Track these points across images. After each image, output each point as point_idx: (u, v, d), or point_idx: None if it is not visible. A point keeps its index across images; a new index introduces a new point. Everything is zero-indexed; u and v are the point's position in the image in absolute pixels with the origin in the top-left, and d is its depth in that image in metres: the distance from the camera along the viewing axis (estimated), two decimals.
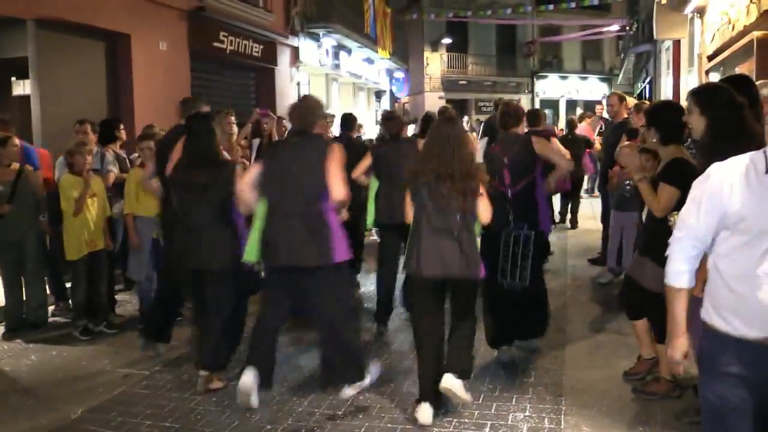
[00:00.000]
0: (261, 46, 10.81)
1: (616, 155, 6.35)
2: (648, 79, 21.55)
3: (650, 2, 15.84)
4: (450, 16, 25.62)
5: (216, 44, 9.74)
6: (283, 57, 11.77)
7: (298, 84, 12.35)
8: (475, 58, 33.26)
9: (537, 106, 32.90)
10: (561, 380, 4.54)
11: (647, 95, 21.92)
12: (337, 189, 3.97)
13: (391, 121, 5.85)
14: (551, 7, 25.16)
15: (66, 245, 5.71)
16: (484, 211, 3.91)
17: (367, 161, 5.58)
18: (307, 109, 4.24)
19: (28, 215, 5.85)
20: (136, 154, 6.81)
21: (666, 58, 15.97)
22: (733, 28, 8.73)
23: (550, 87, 35.47)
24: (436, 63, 32.26)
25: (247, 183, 4.15)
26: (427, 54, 31.82)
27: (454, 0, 27.92)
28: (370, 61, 16.56)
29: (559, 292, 6.88)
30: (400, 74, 19.73)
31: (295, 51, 12.14)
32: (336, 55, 14.11)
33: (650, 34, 19.78)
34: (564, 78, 35.72)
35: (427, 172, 3.84)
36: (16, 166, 5.82)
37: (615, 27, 29.54)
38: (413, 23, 29.05)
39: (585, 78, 36.30)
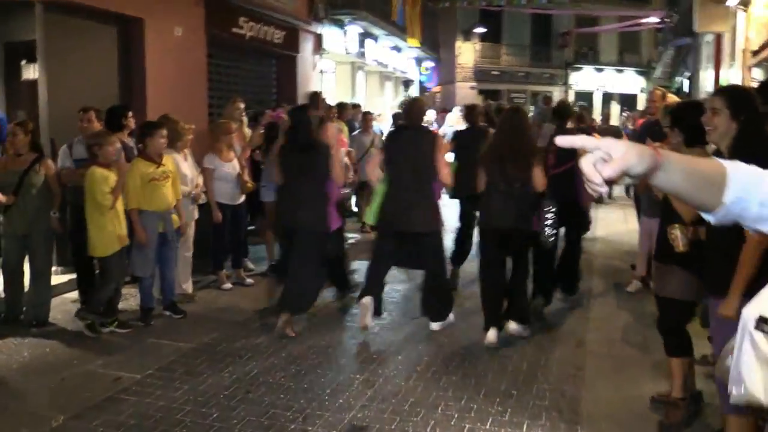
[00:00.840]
0: (283, 33, 10.49)
1: None
2: (687, 74, 20.78)
3: None
4: (483, 5, 25.02)
5: (235, 30, 9.43)
6: (306, 44, 11.44)
7: (321, 72, 12.01)
8: (509, 48, 32.58)
9: (571, 98, 32.18)
10: (578, 405, 4.17)
11: (686, 90, 21.17)
12: (444, 172, 5.28)
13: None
14: None
15: (97, 241, 5.39)
16: (539, 180, 5.07)
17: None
18: (420, 109, 5.70)
19: (35, 209, 5.56)
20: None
21: (706, 52, 15.30)
22: None
23: (585, 79, 34.61)
24: (468, 53, 31.66)
25: (373, 164, 5.65)
26: (459, 43, 31.23)
27: None
28: (397, 49, 16.15)
29: (581, 300, 6.49)
30: (429, 64, 19.23)
31: (319, 38, 11.80)
32: (362, 43, 13.73)
33: (690, 26, 19.13)
34: (599, 70, 34.81)
35: (497, 152, 5.08)
36: (30, 156, 5.58)
37: (654, 19, 28.69)
38: (445, 12, 28.43)
39: (621, 71, 35.33)
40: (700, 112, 3.45)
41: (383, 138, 7.57)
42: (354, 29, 12.76)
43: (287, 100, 11.06)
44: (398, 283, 7.01)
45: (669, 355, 3.93)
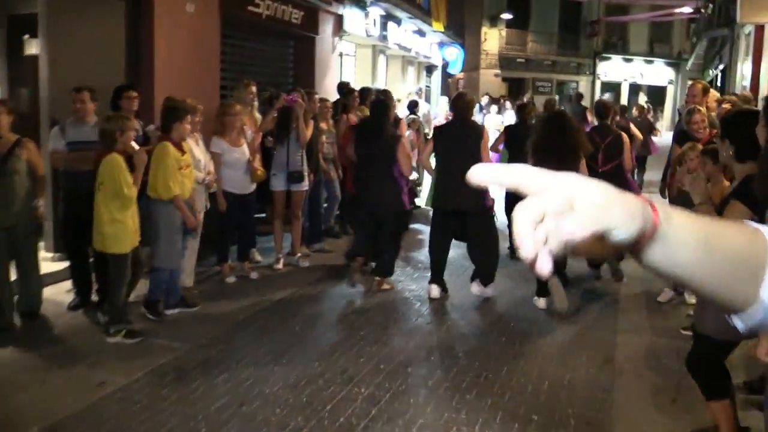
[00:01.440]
0: (301, 13, 10.02)
1: (674, 160, 5.57)
2: (721, 67, 19.99)
3: None
4: None
5: (251, 8, 8.98)
6: (326, 25, 10.97)
7: (341, 55, 11.53)
8: (536, 35, 31.82)
9: (598, 89, 31.41)
10: None
11: (719, 84, 20.39)
12: (487, 160, 5.88)
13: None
14: None
15: (115, 237, 4.88)
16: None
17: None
18: (469, 104, 6.25)
19: (19, 197, 5.08)
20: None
21: (745, 44, 14.57)
22: None
23: (613, 69, 33.77)
24: (494, 39, 30.96)
25: (426, 153, 6.43)
26: (485, 29, 30.54)
27: None
28: (421, 33, 15.60)
29: (607, 310, 6.03)
30: (454, 50, 18.65)
31: (339, 19, 11.32)
32: (384, 26, 13.22)
33: (728, 16, 18.31)
34: (628, 60, 33.94)
35: (543, 149, 5.47)
36: (11, 137, 5.14)
37: (687, 9, 27.76)
38: None
39: (650, 62, 34.43)
40: (755, 121, 2.99)
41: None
42: (376, 11, 12.25)
43: (305, 83, 10.65)
44: (411, 282, 6.62)
45: (707, 400, 3.43)
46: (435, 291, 6.15)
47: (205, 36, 8.14)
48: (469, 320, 5.80)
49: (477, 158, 5.73)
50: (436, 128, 6.73)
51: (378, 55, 13.60)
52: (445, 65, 19.17)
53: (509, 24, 30.74)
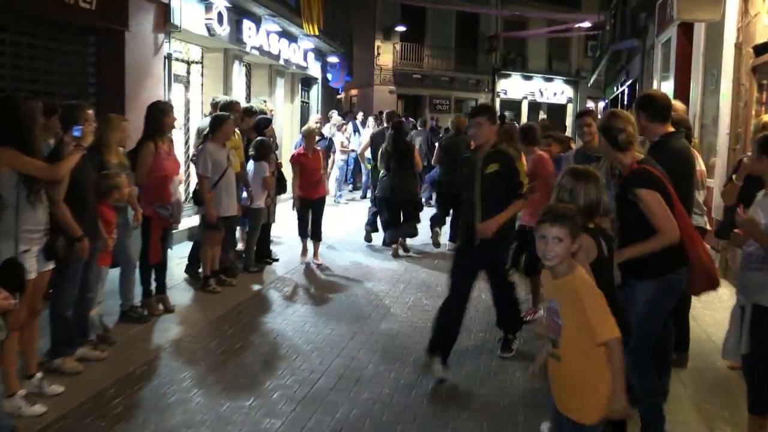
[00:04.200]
0: None
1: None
2: (629, 82, 18.42)
3: None
4: None
5: None
6: (141, 17, 7.99)
7: (168, 57, 8.60)
8: (433, 50, 29.83)
9: (497, 106, 29.77)
10: None
11: (625, 101, 18.86)
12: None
13: None
14: None
15: None
16: None
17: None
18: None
19: None
20: None
21: (662, 56, 12.75)
22: None
23: (513, 87, 32.32)
24: (388, 53, 28.74)
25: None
26: (379, 42, 28.27)
27: None
28: (290, 37, 12.87)
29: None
30: (334, 60, 15.97)
31: (164, 9, 8.38)
32: (238, 25, 10.42)
33: (636, 27, 16.78)
34: (527, 78, 32.61)
35: None
36: None
37: (586, 24, 26.61)
38: (363, 5, 25.48)
39: (550, 79, 33.28)
40: None
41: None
42: (220, 2, 9.41)
43: (111, 94, 7.72)
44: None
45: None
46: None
47: None
48: None
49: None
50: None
51: (232, 62, 10.73)
52: (326, 79, 16.48)
53: (403, 37, 28.61)
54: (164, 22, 8.39)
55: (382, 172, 8.91)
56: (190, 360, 4.91)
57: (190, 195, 8.87)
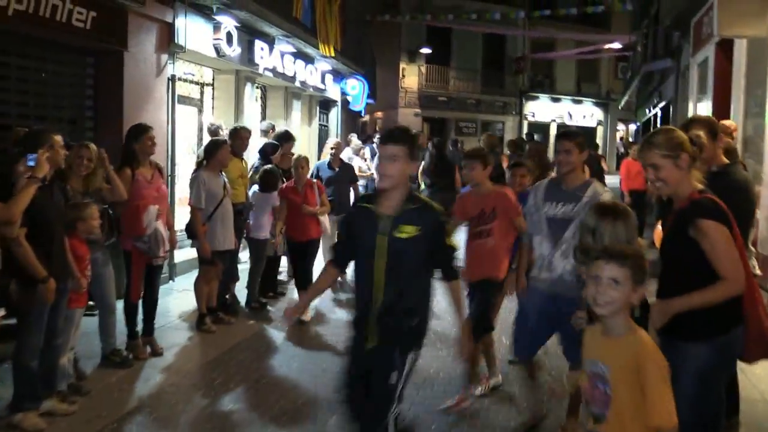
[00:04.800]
0: (92, 13, 6.68)
1: None
2: (662, 104, 17.68)
3: (678, 2, 12.01)
4: (428, 20, 21.73)
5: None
6: (142, 35, 7.57)
7: (172, 79, 8.17)
8: (458, 72, 29.36)
9: (525, 129, 29.13)
10: None
11: (658, 124, 18.11)
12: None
13: None
14: (547, 12, 21.11)
15: None
16: None
17: None
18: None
19: None
20: None
21: (698, 76, 12.04)
22: None
23: (541, 109, 31.66)
24: (413, 75, 28.35)
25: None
26: (404, 65, 27.89)
27: (438, 5, 23.91)
28: (307, 59, 12.44)
29: None
30: (355, 82, 15.51)
31: (168, 28, 7.99)
32: (249, 45, 10.00)
33: (670, 47, 16.10)
34: (556, 100, 31.93)
35: None
36: None
37: (617, 45, 25.89)
38: (388, 28, 25.11)
39: (579, 101, 32.53)
40: None
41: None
42: (229, 22, 8.98)
43: (109, 115, 7.31)
44: None
45: None
46: None
47: None
48: None
49: None
50: None
51: (243, 84, 10.31)
52: (347, 101, 16.01)
53: (429, 59, 28.20)
54: (167, 42, 7.97)
55: (422, 186, 9.91)
56: (167, 417, 4.36)
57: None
